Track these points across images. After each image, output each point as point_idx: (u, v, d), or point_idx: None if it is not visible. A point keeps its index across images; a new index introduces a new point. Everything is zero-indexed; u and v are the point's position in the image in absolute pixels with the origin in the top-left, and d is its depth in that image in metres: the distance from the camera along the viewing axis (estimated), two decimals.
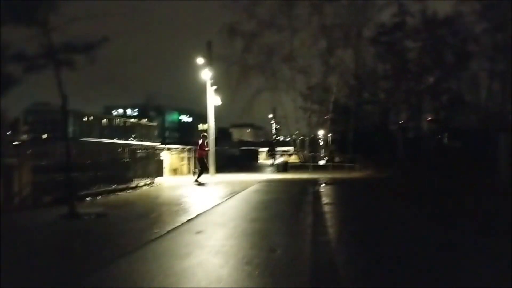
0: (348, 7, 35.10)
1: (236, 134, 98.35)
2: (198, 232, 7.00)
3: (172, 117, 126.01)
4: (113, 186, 13.70)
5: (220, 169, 27.54)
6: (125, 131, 15.76)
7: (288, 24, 35.44)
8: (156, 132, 17.29)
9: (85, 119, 13.34)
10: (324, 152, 42.75)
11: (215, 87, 22.20)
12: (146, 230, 7.32)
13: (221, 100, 23.11)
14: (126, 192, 13.94)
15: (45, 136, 13.20)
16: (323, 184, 17.19)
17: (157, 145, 18.16)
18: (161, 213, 9.24)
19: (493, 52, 35.91)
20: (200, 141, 17.59)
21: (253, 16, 34.70)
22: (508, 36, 33.84)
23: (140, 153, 16.20)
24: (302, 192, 14.18)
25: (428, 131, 40.92)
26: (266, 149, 59.93)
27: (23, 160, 11.15)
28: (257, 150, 57.84)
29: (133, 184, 15.25)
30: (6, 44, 8.89)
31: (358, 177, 20.95)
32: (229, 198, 12.02)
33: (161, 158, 22.33)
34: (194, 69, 22.77)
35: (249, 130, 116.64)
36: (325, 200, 11.76)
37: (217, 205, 10.58)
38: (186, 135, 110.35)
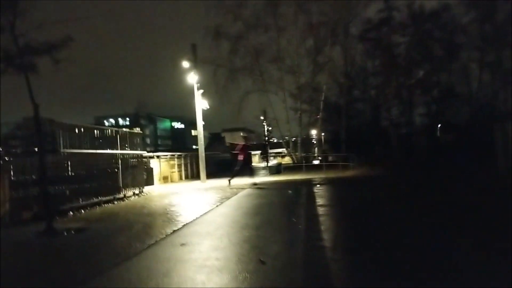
0: (334, 4, 34.68)
1: (229, 138, 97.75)
2: (182, 245, 6.48)
3: (163, 124, 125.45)
4: (99, 198, 13.16)
5: (212, 174, 27.03)
6: (110, 140, 15.18)
7: (274, 24, 34.97)
8: (139, 140, 16.67)
9: (64, 129, 12.74)
10: (317, 152, 42.33)
11: (202, 90, 21.68)
12: (126, 245, 6.79)
13: (210, 104, 22.60)
14: (113, 203, 13.39)
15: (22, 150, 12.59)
16: (317, 185, 16.72)
17: (144, 153, 17.62)
18: (145, 225, 8.69)
19: (482, 42, 35.72)
20: (240, 144, 17.15)
21: (238, 17, 34.19)
22: (496, 25, 33.69)
23: (126, 162, 15.62)
24: (296, 194, 13.68)
25: (420, 126, 40.61)
26: (259, 152, 59.43)
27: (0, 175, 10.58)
28: (250, 153, 57.27)
29: (121, 195, 14.71)
30: None
31: (352, 176, 20.46)
32: (219, 205, 11.49)
33: (151, 166, 21.81)
34: (181, 74, 22.28)
35: (241, 134, 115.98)
36: (319, 201, 11.26)
37: (205, 213, 10.05)
38: (178, 142, 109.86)
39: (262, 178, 23.65)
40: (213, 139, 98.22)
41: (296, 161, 35.79)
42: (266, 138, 49.30)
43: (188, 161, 27.26)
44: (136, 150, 16.51)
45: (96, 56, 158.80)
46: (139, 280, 4.76)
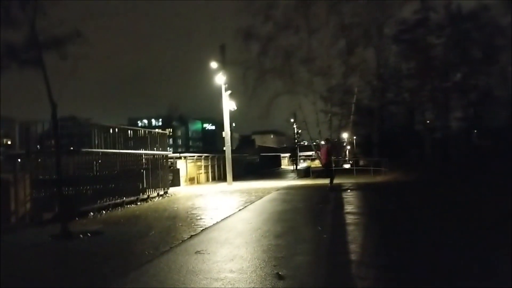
0: (367, 4, 33.73)
1: (259, 141, 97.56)
2: (197, 252, 6.08)
3: (195, 126, 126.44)
4: (123, 199, 12.95)
5: (239, 177, 26.69)
6: (136, 141, 15.01)
7: (305, 24, 34.23)
8: (166, 141, 16.46)
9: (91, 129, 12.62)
10: (348, 155, 41.35)
11: (229, 91, 21.33)
12: (139, 251, 6.46)
13: (239, 106, 22.29)
14: (136, 205, 13.18)
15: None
16: (347, 190, 16.06)
17: (169, 153, 17.38)
18: (163, 229, 8.35)
19: None
20: (324, 147, 16.79)
21: (268, 18, 33.66)
22: None
23: (151, 163, 15.41)
24: (323, 200, 13.09)
25: (456, 130, 39.08)
26: (288, 154, 58.84)
27: (21, 174, 10.47)
28: (279, 156, 56.74)
29: (144, 196, 14.50)
30: None
31: (384, 182, 19.66)
32: (242, 209, 11.07)
33: (178, 167, 21.62)
34: (210, 75, 22.04)
35: (272, 136, 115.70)
36: (347, 209, 10.67)
37: (226, 217, 9.64)
38: (209, 144, 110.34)
39: (290, 181, 23.10)
40: (244, 142, 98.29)
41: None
42: (296, 141, 48.72)
43: (216, 162, 26.97)
44: (162, 150, 16.29)
45: (132, 58, 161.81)
46: None
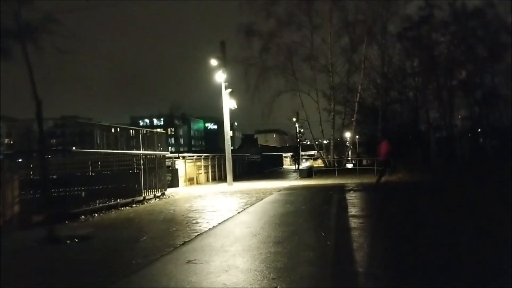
0: (371, 1, 33.14)
1: (261, 140, 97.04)
2: (189, 262, 5.55)
3: (197, 125, 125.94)
4: (118, 200, 12.44)
5: (240, 177, 26.18)
6: (131, 140, 14.51)
7: (308, 21, 33.69)
8: (163, 141, 15.95)
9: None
10: (351, 155, 40.74)
11: (230, 90, 20.78)
12: (126, 259, 5.94)
13: (241, 105, 21.79)
14: (131, 207, 12.66)
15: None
16: (350, 191, 15.51)
17: (166, 153, 16.85)
18: (156, 234, 7.84)
19: None
20: (385, 141, 16.35)
21: (271, 14, 33.12)
22: None
23: (148, 163, 14.90)
24: (326, 202, 12.55)
25: (461, 129, 38.45)
26: (290, 154, 58.23)
27: (9, 175, 9.98)
28: (281, 155, 56.11)
29: (141, 197, 13.98)
30: None
31: (389, 182, 19.02)
32: (241, 212, 10.54)
33: (176, 167, 21.10)
34: (210, 73, 21.47)
35: (274, 136, 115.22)
36: (351, 211, 10.11)
37: (224, 221, 9.12)
38: (212, 143, 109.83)
39: (292, 182, 22.56)
40: (246, 141, 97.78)
41: (328, 165, 34.41)
42: (298, 140, 48.13)
43: (216, 162, 26.43)
44: (159, 150, 15.77)
45: (134, 57, 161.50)
46: None
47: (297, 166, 38.83)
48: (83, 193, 11.63)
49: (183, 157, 21.98)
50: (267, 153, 45.15)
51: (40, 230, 8.15)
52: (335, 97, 35.34)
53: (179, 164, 21.28)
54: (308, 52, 34.49)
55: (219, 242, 6.79)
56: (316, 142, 40.47)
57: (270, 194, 15.12)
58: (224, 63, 20.85)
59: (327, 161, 35.63)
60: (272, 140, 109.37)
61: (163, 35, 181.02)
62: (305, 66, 35.50)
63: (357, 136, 45.11)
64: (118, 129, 14.10)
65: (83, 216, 10.54)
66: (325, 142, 38.15)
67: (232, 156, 22.68)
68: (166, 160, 17.55)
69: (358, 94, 35.36)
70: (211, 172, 25.41)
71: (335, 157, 34.99)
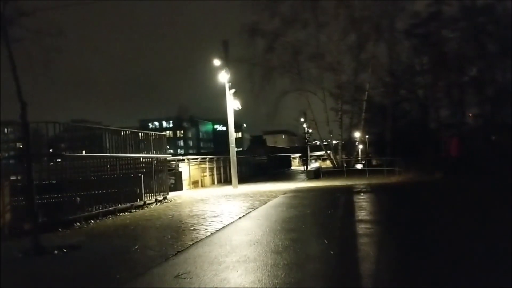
0: None
1: (270, 141, 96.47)
2: (177, 276, 5.04)
3: (206, 127, 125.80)
4: (117, 206, 11.98)
5: (246, 179, 25.63)
6: (132, 144, 14.04)
7: (313, 19, 33.06)
8: (165, 144, 15.50)
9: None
10: (360, 155, 40.06)
11: (233, 90, 20.29)
12: (111, 273, 5.44)
13: (246, 105, 21.41)
14: (130, 212, 12.19)
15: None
16: (359, 193, 14.92)
17: (168, 156, 16.38)
18: (149, 243, 7.36)
19: None
20: (455, 138, 15.81)
21: (275, 13, 32.55)
22: None
23: (149, 167, 14.44)
24: (333, 205, 12.01)
25: (473, 127, 37.58)
26: (298, 155, 57.58)
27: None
28: (289, 156, 55.47)
29: (141, 202, 13.51)
30: None
31: (399, 182, 18.49)
32: (242, 217, 10.02)
33: (180, 170, 20.64)
34: (213, 73, 20.98)
35: (283, 136, 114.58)
36: (359, 215, 9.56)
37: (223, 227, 8.61)
38: (220, 145, 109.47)
39: (299, 183, 21.99)
40: (255, 142, 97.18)
41: (337, 165, 33.78)
42: (306, 140, 47.45)
43: (221, 164, 25.92)
44: (161, 153, 15.31)
45: (143, 60, 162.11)
46: None
47: (305, 167, 38.24)
48: (78, 198, 11.17)
49: (187, 160, 21.52)
50: (274, 154, 44.60)
51: (30, 239, 7.72)
52: (343, 96, 34.71)
53: (183, 167, 20.82)
54: (314, 50, 33.90)
55: (214, 252, 6.27)
56: (325, 143, 39.87)
57: (275, 197, 14.59)
58: (227, 63, 20.39)
59: (336, 161, 34.99)
60: (281, 141, 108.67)
61: (173, 37, 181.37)
62: (311, 65, 34.90)
63: (366, 136, 44.38)
64: (122, 132, 13.68)
65: (77, 223, 10.09)
66: (334, 142, 37.52)
67: (238, 157, 22.17)
68: (170, 163, 17.10)
69: (366, 93, 34.69)
70: (216, 174, 24.91)
71: (343, 157, 34.35)
